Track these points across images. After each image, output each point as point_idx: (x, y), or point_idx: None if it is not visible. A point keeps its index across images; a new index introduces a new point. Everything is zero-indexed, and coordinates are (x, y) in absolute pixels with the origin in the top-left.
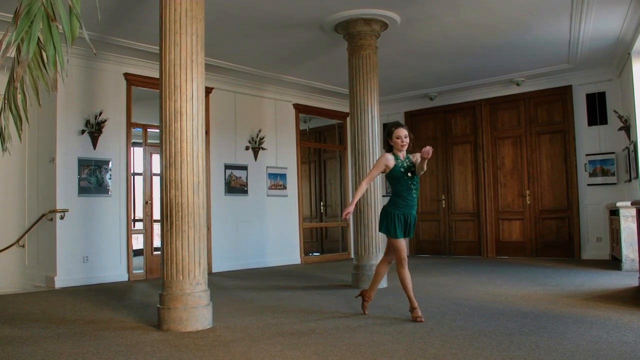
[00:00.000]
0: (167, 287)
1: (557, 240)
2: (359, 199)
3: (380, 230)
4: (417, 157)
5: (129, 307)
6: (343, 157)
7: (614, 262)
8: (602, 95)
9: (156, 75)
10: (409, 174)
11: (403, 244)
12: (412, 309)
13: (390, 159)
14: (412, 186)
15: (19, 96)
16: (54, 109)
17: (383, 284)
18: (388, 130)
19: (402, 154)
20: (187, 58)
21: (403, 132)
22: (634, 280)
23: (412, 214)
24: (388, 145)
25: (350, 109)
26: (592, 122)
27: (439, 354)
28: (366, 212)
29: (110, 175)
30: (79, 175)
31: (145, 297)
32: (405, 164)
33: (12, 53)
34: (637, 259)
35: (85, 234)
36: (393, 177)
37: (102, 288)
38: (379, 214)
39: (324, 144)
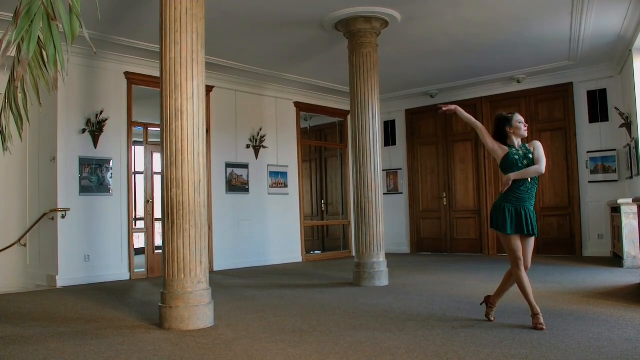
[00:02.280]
0: (169, 286)
1: (558, 237)
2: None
3: (491, 226)
4: (534, 146)
5: (130, 306)
6: (344, 155)
7: (616, 259)
8: (603, 92)
9: (157, 74)
10: (525, 162)
11: (516, 242)
12: (533, 315)
13: (503, 146)
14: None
15: (20, 95)
16: (55, 108)
17: (384, 281)
18: (504, 119)
19: (518, 142)
20: (188, 57)
21: (521, 117)
22: (635, 277)
23: (528, 208)
24: (501, 137)
25: (351, 107)
26: (593, 119)
27: (440, 352)
28: (367, 209)
29: (112, 174)
30: (80, 174)
31: (146, 296)
32: (520, 152)
33: (12, 52)
34: (639, 256)
35: (87, 233)
36: (507, 167)
37: (104, 287)
38: (490, 210)
39: (324, 142)
